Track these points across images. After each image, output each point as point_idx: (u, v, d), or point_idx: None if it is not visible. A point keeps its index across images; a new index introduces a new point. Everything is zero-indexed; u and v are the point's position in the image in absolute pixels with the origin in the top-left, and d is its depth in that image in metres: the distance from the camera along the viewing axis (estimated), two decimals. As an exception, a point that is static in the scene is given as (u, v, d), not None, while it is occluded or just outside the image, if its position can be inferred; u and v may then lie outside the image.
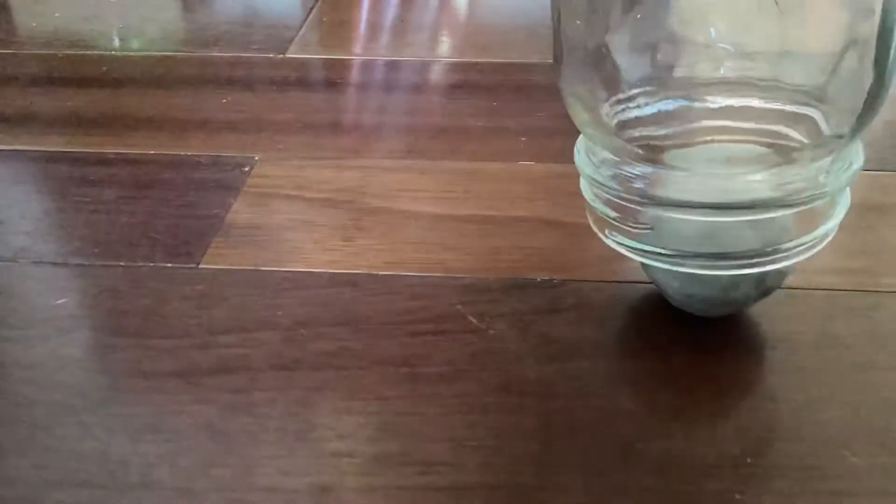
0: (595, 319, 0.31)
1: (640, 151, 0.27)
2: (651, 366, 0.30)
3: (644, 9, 0.28)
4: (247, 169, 0.42)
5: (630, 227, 0.28)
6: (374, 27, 0.57)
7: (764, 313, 0.32)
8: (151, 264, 0.35)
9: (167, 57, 0.56)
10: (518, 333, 0.31)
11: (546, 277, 0.33)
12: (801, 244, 0.27)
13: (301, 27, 0.56)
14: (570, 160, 0.29)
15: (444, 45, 0.54)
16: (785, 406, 0.28)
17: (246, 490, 0.25)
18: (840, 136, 0.27)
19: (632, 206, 0.28)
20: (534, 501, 0.25)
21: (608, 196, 0.28)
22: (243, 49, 0.55)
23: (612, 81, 0.28)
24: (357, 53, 0.53)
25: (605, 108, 0.28)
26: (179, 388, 0.29)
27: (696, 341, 0.30)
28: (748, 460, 0.26)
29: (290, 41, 0.54)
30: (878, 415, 0.27)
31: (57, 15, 0.63)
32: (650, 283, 0.31)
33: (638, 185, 0.27)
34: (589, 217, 0.30)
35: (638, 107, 0.28)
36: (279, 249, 0.36)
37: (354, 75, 0.51)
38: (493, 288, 0.33)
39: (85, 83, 0.52)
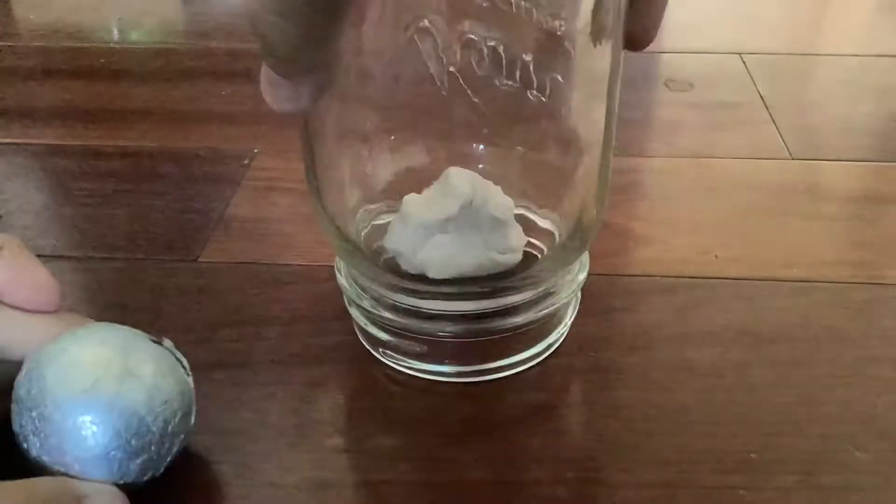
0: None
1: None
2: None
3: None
4: (246, 162, 0.42)
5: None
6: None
7: (764, 306, 0.31)
8: (150, 258, 0.35)
9: (166, 49, 0.56)
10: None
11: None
12: None
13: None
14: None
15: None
16: (788, 400, 0.27)
17: (245, 486, 0.25)
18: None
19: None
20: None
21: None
22: (242, 41, 0.55)
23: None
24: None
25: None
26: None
27: (698, 333, 0.30)
28: (752, 455, 0.26)
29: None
30: (882, 408, 0.27)
31: (55, 7, 0.63)
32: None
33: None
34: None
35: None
36: (279, 243, 0.36)
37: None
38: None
39: (83, 75, 0.52)
